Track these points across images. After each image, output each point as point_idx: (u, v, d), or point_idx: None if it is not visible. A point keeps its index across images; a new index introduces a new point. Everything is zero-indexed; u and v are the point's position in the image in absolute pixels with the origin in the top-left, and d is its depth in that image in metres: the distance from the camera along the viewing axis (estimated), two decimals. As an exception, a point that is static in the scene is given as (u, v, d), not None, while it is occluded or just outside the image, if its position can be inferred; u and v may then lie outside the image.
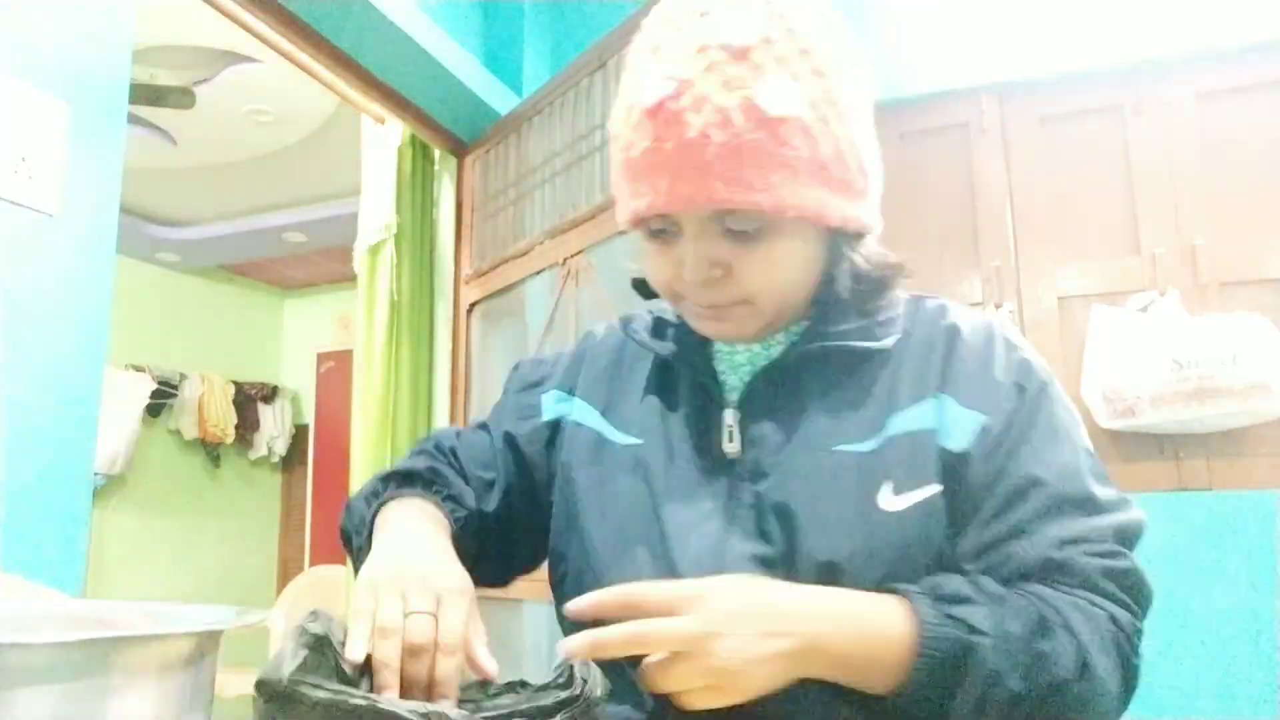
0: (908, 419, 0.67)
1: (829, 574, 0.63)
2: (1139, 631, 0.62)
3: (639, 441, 0.74)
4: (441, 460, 0.81)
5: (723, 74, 0.61)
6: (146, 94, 3.03)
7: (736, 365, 0.75)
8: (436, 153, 2.75)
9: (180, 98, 3.12)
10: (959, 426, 0.66)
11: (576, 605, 0.57)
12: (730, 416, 0.71)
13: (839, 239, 0.70)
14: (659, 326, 0.79)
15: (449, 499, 0.76)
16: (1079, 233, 2.10)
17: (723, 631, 0.54)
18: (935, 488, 0.65)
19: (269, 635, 4.21)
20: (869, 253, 0.72)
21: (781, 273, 0.67)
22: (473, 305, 2.65)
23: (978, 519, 0.65)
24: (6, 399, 1.20)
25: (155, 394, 4.62)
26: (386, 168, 2.66)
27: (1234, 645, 1.80)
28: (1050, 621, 0.58)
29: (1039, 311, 2.09)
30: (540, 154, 2.39)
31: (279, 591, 4.77)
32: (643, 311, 0.82)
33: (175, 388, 4.78)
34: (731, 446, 0.70)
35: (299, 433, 5.38)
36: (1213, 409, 1.80)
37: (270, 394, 5.27)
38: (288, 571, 5.16)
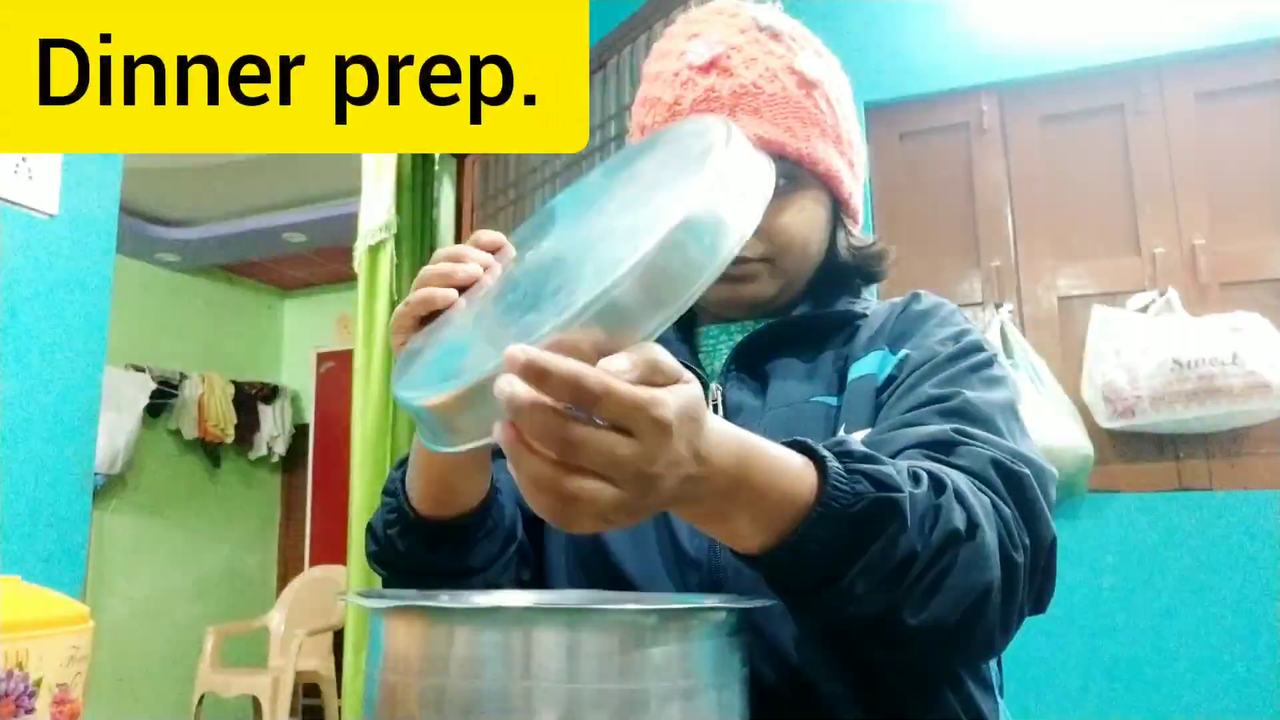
0: (861, 366, 0.71)
1: None
2: (1021, 542, 0.56)
3: None
4: None
5: (765, 46, 0.72)
6: (146, 94, 3.03)
7: (716, 349, 0.79)
8: (436, 153, 2.75)
9: (180, 98, 3.11)
10: (888, 364, 0.70)
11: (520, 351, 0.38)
12: (714, 391, 0.75)
13: (839, 214, 0.77)
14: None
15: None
16: (1079, 233, 2.11)
17: (661, 474, 0.41)
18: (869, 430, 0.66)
19: (268, 635, 4.22)
20: (865, 237, 0.79)
21: (804, 229, 0.73)
22: (473, 305, 2.65)
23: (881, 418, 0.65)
24: (6, 399, 1.20)
25: (155, 394, 4.62)
26: (386, 168, 2.66)
27: (1234, 645, 1.80)
28: (943, 483, 0.53)
29: (1039, 311, 2.09)
30: (540, 154, 2.39)
31: (279, 591, 4.77)
32: None
33: (175, 388, 4.78)
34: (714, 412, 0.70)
35: (299, 433, 5.38)
36: (1213, 409, 1.80)
37: (270, 394, 5.27)
38: (288, 571, 5.15)
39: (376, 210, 2.64)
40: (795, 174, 0.71)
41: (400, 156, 2.67)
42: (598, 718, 0.43)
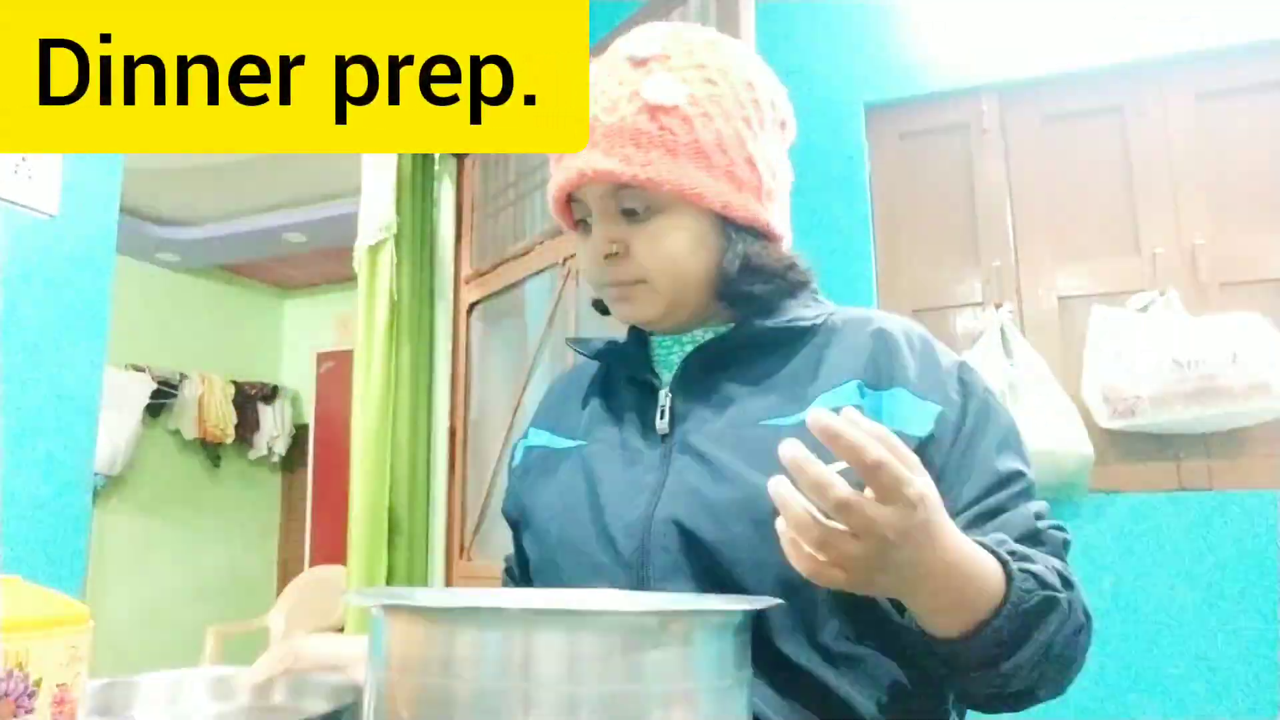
0: (833, 398, 0.72)
1: (748, 542, 0.68)
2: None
3: (581, 442, 0.82)
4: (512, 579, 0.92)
5: (619, 75, 0.73)
6: (146, 94, 3.03)
7: (669, 358, 0.82)
8: (436, 153, 2.75)
9: (180, 98, 3.11)
10: (917, 415, 0.71)
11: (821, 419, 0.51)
12: (663, 398, 0.77)
13: (731, 228, 0.75)
14: (609, 345, 0.86)
15: None
16: (1079, 233, 2.11)
17: (900, 545, 0.52)
18: None
19: (268, 635, 4.22)
20: (771, 249, 0.78)
21: (669, 249, 0.74)
22: (473, 305, 2.65)
23: (960, 503, 0.69)
24: (6, 399, 1.20)
25: (155, 394, 4.62)
26: (386, 168, 2.66)
27: (1234, 645, 1.80)
28: (1069, 579, 0.65)
29: (1039, 311, 2.09)
30: (540, 154, 2.39)
31: (279, 591, 4.77)
32: (592, 337, 0.90)
33: (175, 388, 4.78)
34: (662, 424, 0.76)
35: (299, 433, 5.38)
36: (1213, 409, 1.80)
37: (270, 394, 5.27)
38: (288, 571, 5.16)
39: (376, 210, 2.64)
40: (647, 201, 0.73)
41: (400, 156, 2.67)
42: (598, 719, 0.42)
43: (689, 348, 0.80)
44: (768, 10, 2.13)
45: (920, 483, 0.51)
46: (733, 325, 0.79)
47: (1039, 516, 0.69)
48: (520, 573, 0.89)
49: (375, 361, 2.56)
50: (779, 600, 0.52)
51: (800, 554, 0.52)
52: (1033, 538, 0.67)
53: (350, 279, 2.76)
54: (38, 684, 0.51)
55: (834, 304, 0.83)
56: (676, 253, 0.74)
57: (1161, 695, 1.83)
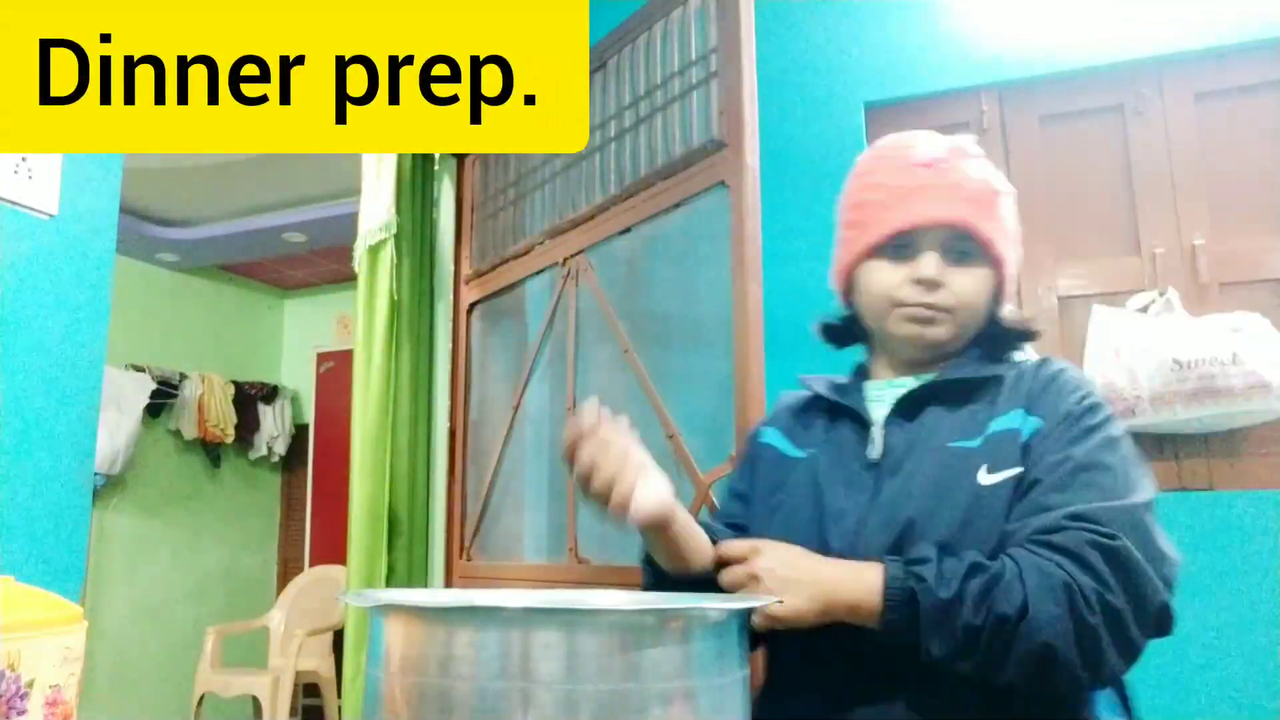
0: (1002, 422, 0.88)
1: (939, 534, 0.83)
2: (1106, 602, 0.77)
3: (813, 452, 0.99)
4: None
5: (962, 161, 0.96)
6: (146, 94, 3.03)
7: (880, 398, 0.98)
8: (436, 153, 2.75)
9: (180, 98, 3.11)
10: (1029, 425, 0.87)
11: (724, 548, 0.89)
12: (876, 432, 0.94)
13: (998, 292, 0.96)
14: (831, 386, 1.04)
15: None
16: (1079, 233, 2.11)
17: (773, 567, 0.83)
18: (1018, 469, 0.85)
19: (268, 635, 4.22)
20: (1012, 311, 0.99)
21: (980, 291, 0.94)
22: (473, 305, 2.65)
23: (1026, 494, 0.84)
24: (6, 399, 1.20)
25: (155, 394, 4.62)
26: (386, 168, 2.66)
27: (1234, 645, 1.80)
28: (1005, 573, 0.76)
29: (1039, 311, 2.09)
30: (540, 154, 2.39)
31: (279, 591, 4.77)
32: (815, 380, 1.06)
33: (175, 388, 4.78)
34: (874, 450, 0.93)
35: (299, 433, 5.38)
36: (1213, 409, 1.80)
37: (270, 394, 5.27)
38: (288, 571, 5.16)
39: (376, 210, 2.63)
40: (977, 250, 0.93)
41: (400, 156, 2.67)
42: (596, 718, 0.42)
43: (900, 390, 0.96)
44: (768, 9, 2.13)
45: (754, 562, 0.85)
46: (936, 374, 0.95)
47: (1072, 519, 0.79)
48: (721, 528, 1.04)
49: (375, 361, 2.56)
50: (778, 598, 0.53)
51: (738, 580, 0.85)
52: (1045, 533, 0.78)
53: (350, 279, 2.76)
54: (30, 685, 0.51)
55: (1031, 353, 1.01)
56: (981, 297, 0.94)
57: (1161, 695, 1.83)
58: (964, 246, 0.93)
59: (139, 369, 4.57)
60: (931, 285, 0.92)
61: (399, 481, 2.56)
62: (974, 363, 0.95)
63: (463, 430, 2.65)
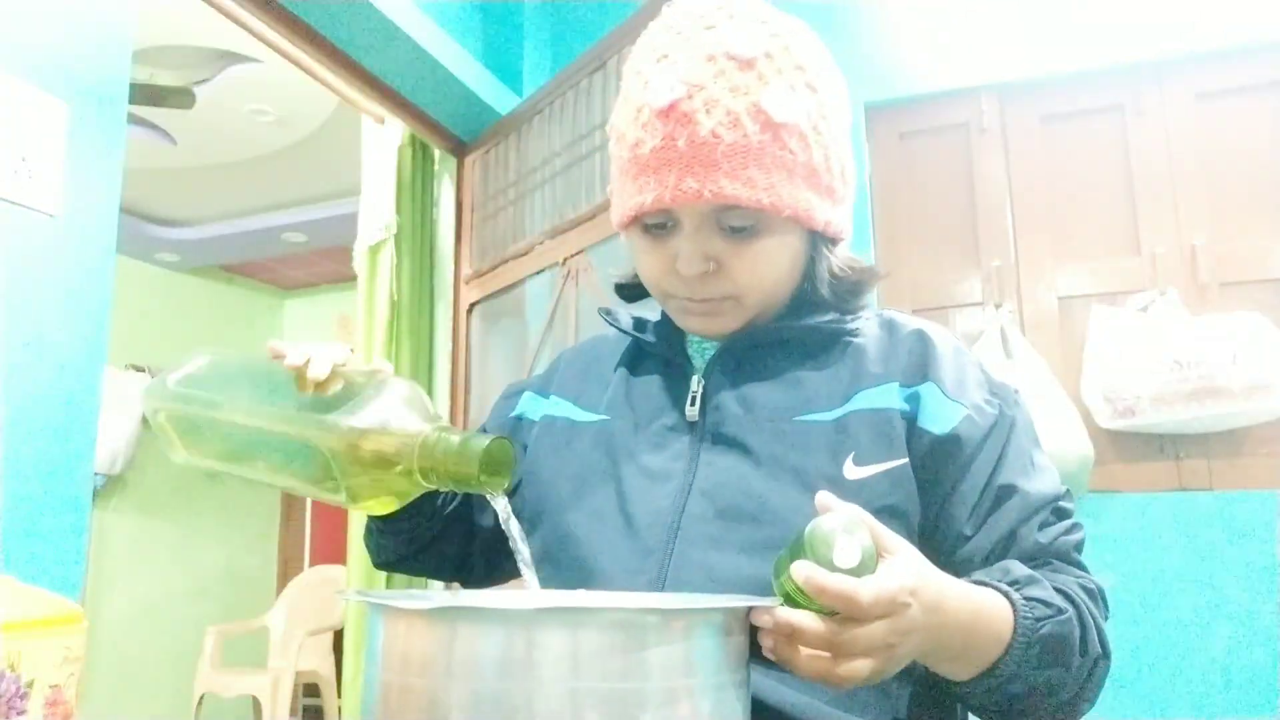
0: (872, 396, 0.71)
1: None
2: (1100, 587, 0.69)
3: (605, 417, 0.80)
4: None
5: (730, 80, 0.67)
6: (146, 94, 3.03)
7: (703, 345, 0.81)
8: (436, 153, 2.75)
9: (180, 98, 3.12)
10: (942, 412, 0.70)
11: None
12: (695, 384, 0.76)
13: (818, 241, 0.75)
14: (638, 322, 0.84)
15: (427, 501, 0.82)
16: (1079, 233, 2.11)
17: (897, 644, 0.52)
18: (901, 460, 0.69)
19: (268, 635, 4.21)
20: (844, 257, 0.78)
21: (769, 270, 0.72)
22: (473, 305, 2.65)
23: (973, 517, 0.69)
24: (7, 399, 1.20)
25: (155, 394, 4.61)
26: (386, 168, 2.66)
27: (1234, 645, 1.80)
28: (1084, 607, 0.64)
29: (1039, 311, 2.09)
30: (540, 154, 2.39)
31: (279, 591, 4.77)
32: (620, 309, 0.87)
33: (175, 388, 4.77)
34: (692, 411, 0.75)
35: (299, 433, 5.38)
36: (1213, 409, 1.80)
37: (270, 394, 5.27)
38: (288, 571, 5.15)
39: (376, 210, 2.64)
40: (755, 220, 0.69)
41: (400, 156, 2.67)
42: (599, 718, 0.42)
43: (726, 336, 0.77)
44: (768, 10, 2.13)
45: (904, 577, 0.52)
46: (773, 321, 0.77)
47: (1047, 526, 0.69)
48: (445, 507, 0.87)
49: (375, 361, 2.56)
50: (779, 599, 0.52)
51: (801, 657, 0.50)
52: (1044, 555, 0.68)
53: (350, 279, 2.76)
54: (30, 685, 0.51)
55: (872, 304, 0.83)
56: (775, 273, 0.73)
57: (1162, 695, 1.83)
58: (734, 220, 0.69)
59: (139, 369, 4.57)
60: (701, 277, 0.71)
61: (399, 481, 2.56)
62: (821, 315, 0.77)
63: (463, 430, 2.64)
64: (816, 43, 0.74)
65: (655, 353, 0.82)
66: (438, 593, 0.60)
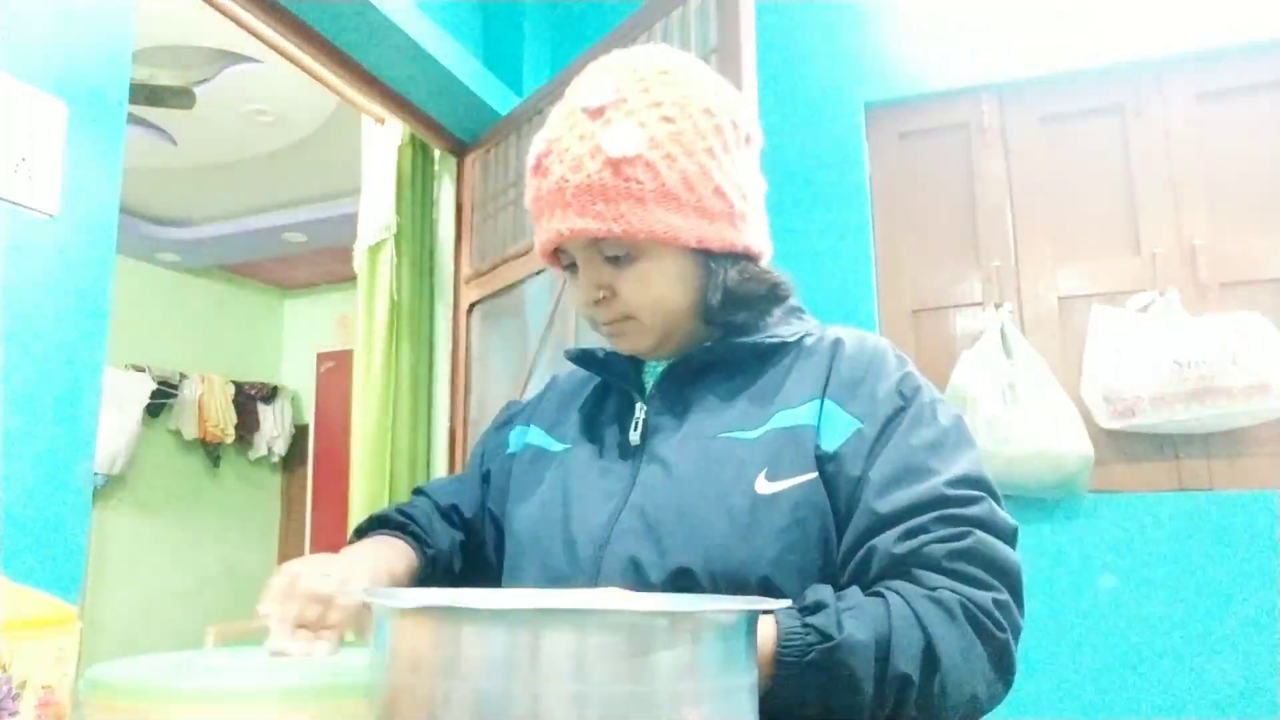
0: (792, 416, 0.75)
1: (703, 547, 0.70)
2: (1003, 603, 0.66)
3: (569, 446, 0.86)
4: (421, 505, 0.93)
5: (580, 130, 0.75)
6: (146, 94, 3.03)
7: (654, 373, 0.85)
8: (436, 153, 2.75)
9: (180, 98, 3.12)
10: (835, 428, 0.73)
11: None
12: (639, 410, 0.82)
13: (710, 259, 0.78)
14: (587, 355, 0.89)
15: (414, 535, 0.86)
16: (1079, 233, 2.11)
17: None
18: (810, 475, 0.72)
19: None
20: (751, 272, 0.80)
21: (654, 289, 0.77)
22: (473, 305, 2.65)
23: (851, 531, 0.70)
24: (6, 399, 1.20)
25: (155, 394, 4.61)
26: (386, 168, 2.66)
27: (1234, 645, 1.80)
28: (898, 619, 0.63)
29: (1039, 311, 2.09)
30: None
31: (279, 591, 4.76)
32: (595, 345, 0.92)
33: (175, 388, 4.78)
34: (635, 435, 0.80)
35: (299, 433, 5.38)
36: (1213, 409, 1.80)
37: (270, 394, 5.27)
38: (287, 571, 5.15)
39: (376, 210, 2.63)
40: (626, 248, 0.75)
41: (400, 156, 2.67)
42: (605, 719, 0.42)
43: (668, 363, 0.83)
44: (768, 10, 2.13)
45: None
46: (707, 342, 0.82)
47: (911, 533, 0.67)
48: (447, 515, 0.92)
49: (375, 361, 2.56)
50: (788, 601, 0.52)
51: None
52: (905, 563, 0.67)
53: (350, 279, 2.76)
54: (22, 686, 0.51)
55: (817, 321, 0.85)
56: (660, 292, 0.78)
57: (1161, 695, 1.83)
58: (609, 250, 0.76)
59: (139, 369, 4.57)
60: (598, 304, 0.79)
61: (399, 481, 2.56)
62: (750, 334, 0.80)
63: (463, 430, 2.64)
64: (692, 77, 0.78)
65: (611, 383, 0.88)
66: (442, 592, 0.60)
